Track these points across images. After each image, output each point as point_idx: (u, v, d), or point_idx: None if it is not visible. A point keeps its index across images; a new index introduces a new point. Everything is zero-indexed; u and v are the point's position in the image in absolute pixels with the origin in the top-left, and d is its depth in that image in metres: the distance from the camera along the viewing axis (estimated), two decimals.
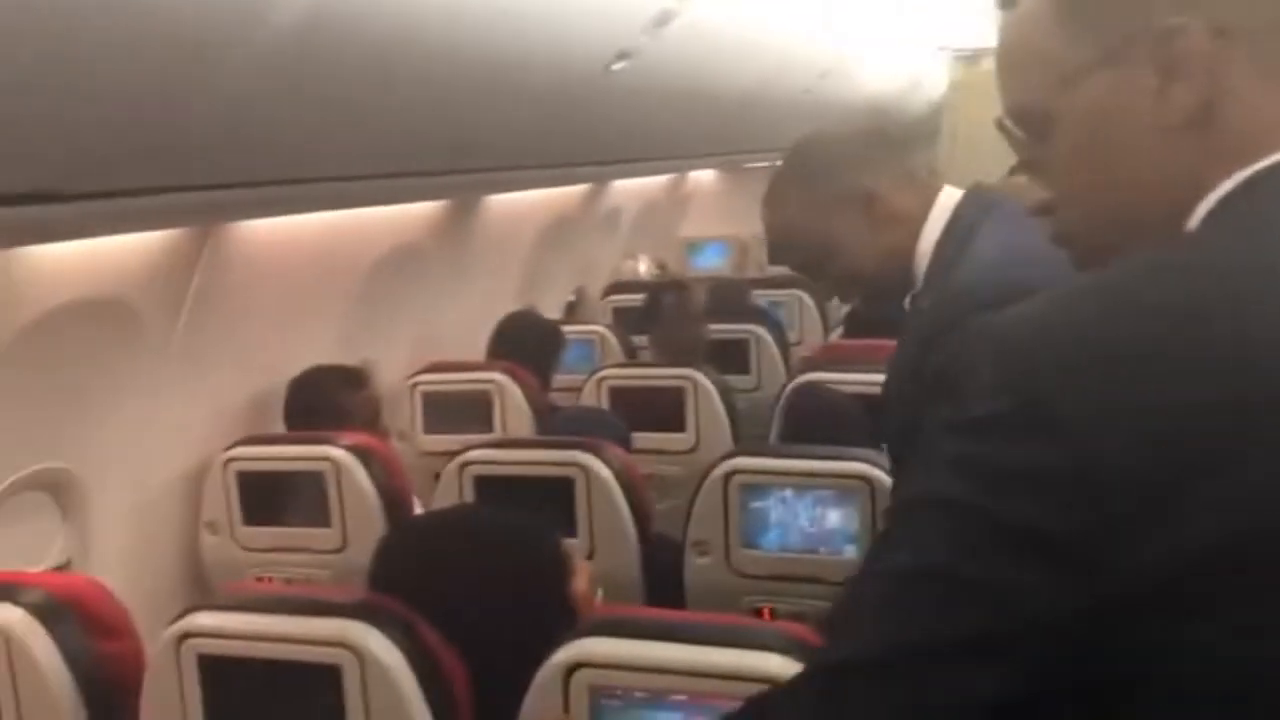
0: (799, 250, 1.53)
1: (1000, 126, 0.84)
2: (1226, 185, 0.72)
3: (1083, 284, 0.75)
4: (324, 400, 2.51)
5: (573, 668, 1.30)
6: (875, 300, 1.62)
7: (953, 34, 5.42)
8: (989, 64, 4.17)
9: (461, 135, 1.78)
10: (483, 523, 1.68)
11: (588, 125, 2.13)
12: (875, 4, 3.27)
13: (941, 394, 0.83)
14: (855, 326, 3.76)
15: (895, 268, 1.45)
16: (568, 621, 1.41)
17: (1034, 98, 0.80)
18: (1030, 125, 0.81)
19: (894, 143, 1.58)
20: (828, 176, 1.48)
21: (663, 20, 1.59)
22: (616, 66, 1.64)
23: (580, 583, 1.59)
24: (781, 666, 1.22)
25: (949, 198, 1.44)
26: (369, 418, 2.54)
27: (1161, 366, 0.65)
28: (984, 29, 6.07)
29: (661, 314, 3.33)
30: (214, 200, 1.70)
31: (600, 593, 1.70)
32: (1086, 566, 0.64)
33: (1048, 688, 0.67)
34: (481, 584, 1.51)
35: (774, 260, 1.63)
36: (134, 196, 1.44)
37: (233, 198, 1.72)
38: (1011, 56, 0.83)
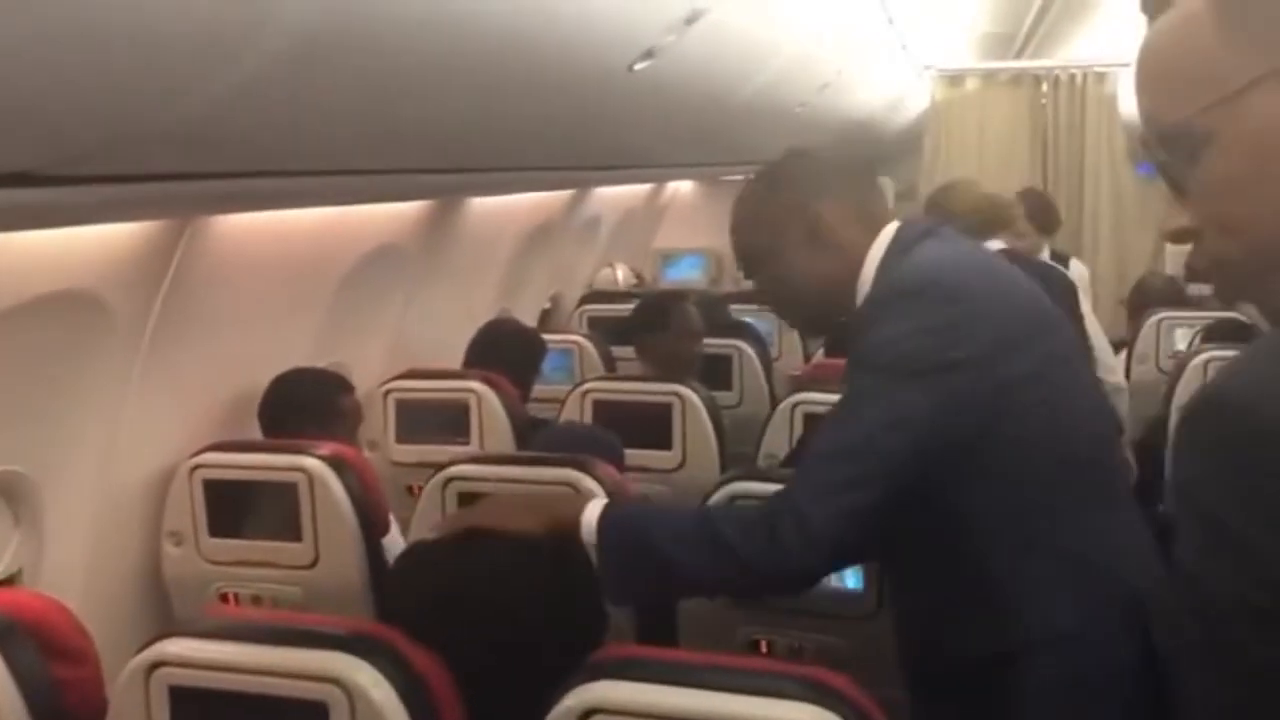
0: (744, 248, 1.63)
1: (1144, 145, 0.77)
2: None
3: None
4: (305, 403, 2.40)
5: (587, 714, 1.20)
6: (811, 323, 1.79)
7: (937, 54, 5.41)
8: (971, 84, 4.15)
9: (470, 133, 1.69)
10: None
11: (599, 126, 2.05)
12: (871, 20, 3.22)
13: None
14: (837, 343, 3.71)
15: (834, 295, 1.55)
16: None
17: (1187, 114, 0.73)
18: (1179, 145, 0.74)
19: (856, 174, 1.65)
20: (786, 190, 1.57)
21: (692, 19, 1.51)
22: (640, 65, 1.56)
23: None
24: (814, 717, 1.13)
25: (891, 229, 1.54)
26: (351, 425, 2.43)
27: None
28: (967, 50, 6.09)
29: (669, 325, 3.22)
30: (192, 192, 1.60)
31: None
32: None
33: None
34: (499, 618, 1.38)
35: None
36: (109, 184, 1.34)
37: (212, 190, 1.62)
38: (1161, 68, 0.76)
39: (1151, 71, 0.77)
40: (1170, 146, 0.75)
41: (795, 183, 1.57)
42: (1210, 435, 0.67)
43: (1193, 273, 3.80)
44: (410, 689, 1.28)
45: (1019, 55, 6.09)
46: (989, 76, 5.51)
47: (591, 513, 1.46)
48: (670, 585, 1.53)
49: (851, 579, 1.89)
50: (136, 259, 2.06)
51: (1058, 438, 1.44)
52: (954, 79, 5.49)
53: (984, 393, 1.40)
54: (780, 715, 1.16)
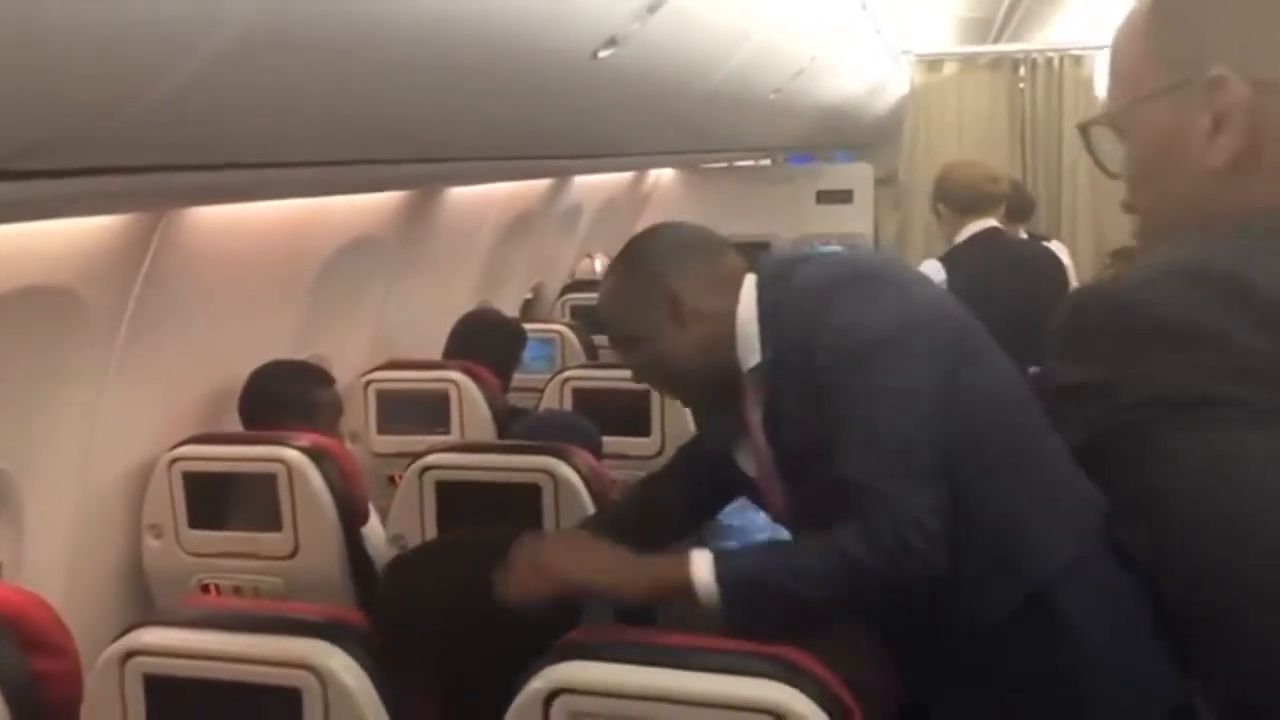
0: (619, 338, 1.66)
1: (1095, 121, 0.88)
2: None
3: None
4: (285, 396, 2.40)
5: (553, 694, 1.22)
6: (697, 395, 1.74)
7: (916, 39, 5.42)
8: (950, 69, 4.17)
9: (437, 124, 1.69)
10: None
11: (566, 115, 2.05)
12: (844, 6, 3.23)
13: None
14: None
15: (716, 362, 1.56)
16: None
17: (1116, 105, 0.84)
18: (1116, 127, 0.85)
19: (696, 245, 1.66)
20: (640, 277, 1.60)
21: (654, 7, 1.52)
22: (604, 53, 1.57)
23: None
24: (785, 696, 1.15)
25: (751, 282, 1.57)
26: (331, 417, 2.44)
27: None
28: (945, 35, 6.10)
29: None
30: (166, 184, 1.60)
31: None
32: None
33: None
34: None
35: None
36: (82, 176, 1.34)
37: (186, 182, 1.62)
38: (1112, 59, 0.86)
39: (1110, 56, 0.86)
40: (1112, 125, 0.85)
41: (646, 267, 1.60)
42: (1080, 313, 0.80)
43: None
44: (382, 674, 1.30)
45: (997, 39, 6.10)
46: (967, 61, 5.52)
47: (702, 571, 1.42)
48: (803, 618, 1.46)
49: None
50: (111, 253, 2.06)
51: (1001, 377, 1.51)
52: (932, 64, 5.49)
53: (945, 346, 1.45)
54: (747, 693, 1.17)
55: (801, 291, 1.50)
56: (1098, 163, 0.87)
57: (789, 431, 1.54)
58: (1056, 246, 4.22)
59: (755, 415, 1.59)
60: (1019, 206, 3.88)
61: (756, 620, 1.41)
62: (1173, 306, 0.72)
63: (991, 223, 3.20)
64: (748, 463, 1.67)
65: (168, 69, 1.07)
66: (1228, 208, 0.77)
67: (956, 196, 3.20)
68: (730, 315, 1.55)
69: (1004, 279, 3.03)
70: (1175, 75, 0.78)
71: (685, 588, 1.42)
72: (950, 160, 3.58)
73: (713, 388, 1.63)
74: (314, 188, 2.30)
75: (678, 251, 1.62)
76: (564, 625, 1.37)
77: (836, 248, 5.75)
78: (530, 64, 1.52)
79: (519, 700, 1.23)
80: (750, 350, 1.54)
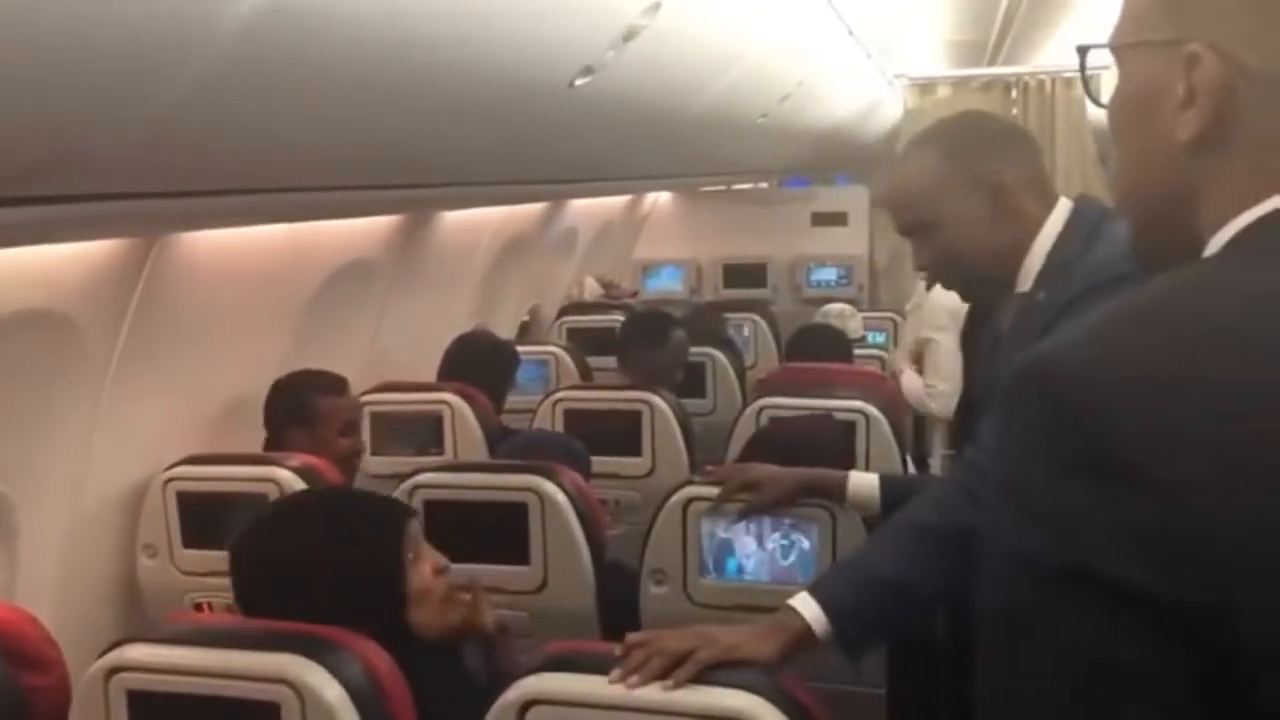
0: (915, 214, 1.56)
1: (1097, 46, 0.86)
2: (1246, 217, 0.71)
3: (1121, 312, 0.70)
4: (286, 405, 2.46)
5: (527, 705, 1.24)
6: (971, 291, 1.66)
7: (907, 63, 5.48)
8: (943, 92, 4.22)
9: (421, 150, 1.73)
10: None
11: (548, 142, 2.09)
12: (829, 33, 3.27)
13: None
14: (798, 349, 3.76)
15: (1001, 265, 1.50)
16: None
17: (1119, 38, 0.80)
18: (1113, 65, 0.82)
19: (1032, 144, 1.63)
20: (970, 154, 1.51)
21: (629, 36, 1.56)
22: (580, 82, 1.61)
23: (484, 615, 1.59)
24: (748, 705, 1.18)
25: (1066, 206, 1.51)
26: (335, 425, 2.48)
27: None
28: (937, 58, 6.15)
29: (666, 345, 3.28)
30: (158, 210, 1.63)
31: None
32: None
33: None
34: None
35: (893, 222, 1.63)
36: (73, 203, 1.37)
37: (179, 208, 1.65)
38: None
39: None
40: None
41: (977, 148, 1.53)
42: (1019, 399, 0.67)
43: None
44: (361, 688, 1.32)
45: (991, 63, 6.15)
46: (960, 84, 5.57)
47: (808, 608, 1.42)
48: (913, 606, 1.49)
49: (802, 572, 1.94)
50: (105, 277, 2.09)
51: None
52: (925, 87, 5.55)
53: None
54: (713, 702, 1.20)
55: (1084, 268, 1.40)
56: (1086, 88, 0.86)
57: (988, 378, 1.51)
58: None
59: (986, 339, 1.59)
60: None
61: (868, 627, 1.44)
62: None
63: None
64: None
65: (153, 93, 1.10)
66: (1191, 189, 0.74)
67: None
68: (1038, 224, 1.49)
69: None
70: (1169, 30, 0.74)
71: (809, 636, 1.41)
72: None
73: (980, 286, 1.57)
74: (305, 212, 2.34)
75: (1006, 138, 1.56)
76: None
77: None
78: (509, 93, 1.56)
79: (493, 712, 1.26)
80: (1029, 272, 1.49)
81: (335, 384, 2.54)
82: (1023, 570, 0.63)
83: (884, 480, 1.83)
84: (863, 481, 1.82)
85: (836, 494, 1.84)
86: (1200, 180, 0.74)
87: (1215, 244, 0.73)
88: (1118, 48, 0.79)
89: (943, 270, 1.61)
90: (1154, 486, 0.59)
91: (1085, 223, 1.48)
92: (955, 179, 1.51)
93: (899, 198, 1.60)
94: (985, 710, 0.67)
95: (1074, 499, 0.61)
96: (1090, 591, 0.60)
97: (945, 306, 3.35)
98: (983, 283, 1.57)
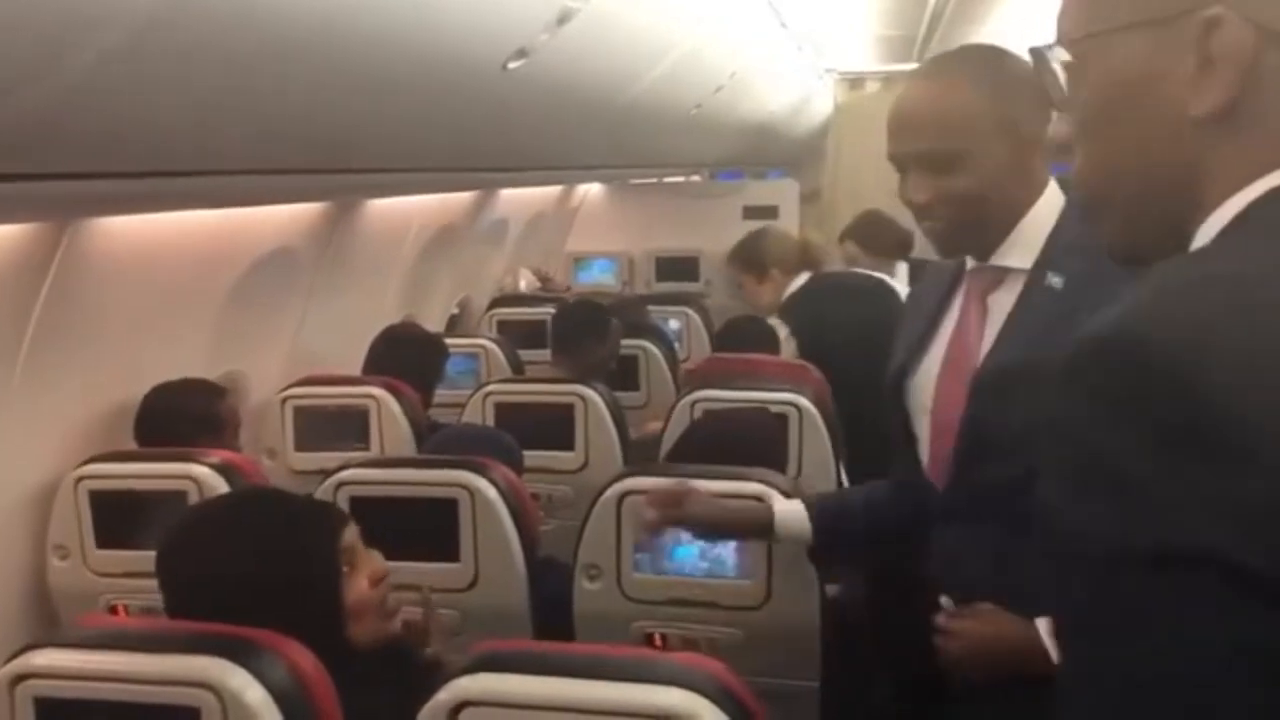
0: (948, 145, 1.42)
1: (1050, 46, 0.79)
2: (1254, 191, 0.69)
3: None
4: (190, 410, 2.36)
5: (458, 707, 1.20)
6: (964, 244, 1.52)
7: (838, 57, 5.51)
8: (872, 87, 4.26)
9: (347, 131, 1.67)
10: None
11: (480, 127, 2.04)
12: (763, 24, 3.27)
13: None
14: (726, 341, 3.75)
15: (999, 223, 1.45)
16: None
17: (1079, 34, 0.76)
18: (1074, 58, 0.77)
19: (1050, 106, 1.58)
20: (1010, 96, 1.41)
21: (564, 18, 1.52)
22: (513, 65, 1.56)
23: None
24: (684, 701, 1.15)
25: (1055, 185, 1.46)
26: (235, 430, 2.39)
27: None
28: (867, 53, 6.20)
29: (607, 337, 3.25)
30: (67, 192, 1.56)
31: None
32: None
33: None
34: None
35: (899, 145, 1.47)
36: None
37: (88, 190, 1.58)
38: None
39: None
40: (1066, 65, 0.78)
41: (1019, 94, 1.40)
42: (1098, 374, 0.63)
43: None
44: (286, 690, 1.27)
45: (919, 58, 6.22)
46: (889, 79, 5.63)
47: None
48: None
49: (738, 571, 1.92)
50: (10, 265, 2.00)
51: None
52: (855, 82, 5.60)
53: None
54: (648, 699, 1.17)
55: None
56: (1062, 101, 0.78)
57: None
58: None
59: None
60: (873, 241, 3.97)
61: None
62: None
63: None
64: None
65: (56, 66, 1.05)
66: (1193, 169, 0.71)
67: (782, 266, 3.63)
68: (1037, 192, 1.44)
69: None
70: (1156, 9, 0.71)
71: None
72: (759, 230, 3.84)
73: (971, 235, 1.46)
74: (225, 198, 2.27)
75: (1041, 93, 1.44)
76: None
77: None
78: (441, 74, 1.51)
79: (424, 713, 1.22)
80: (1018, 246, 1.44)
81: (215, 389, 2.48)
82: (1124, 562, 0.60)
83: (810, 507, 1.74)
84: (789, 513, 1.74)
85: (766, 531, 1.76)
86: (1205, 157, 0.71)
87: (1220, 217, 0.70)
88: (1099, 34, 0.75)
89: (954, 211, 1.45)
90: (1260, 458, 0.57)
91: (1075, 206, 1.43)
92: (992, 119, 1.41)
93: (932, 125, 1.43)
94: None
95: (1177, 478, 0.58)
96: (1212, 575, 0.57)
97: None
98: (980, 233, 1.47)
